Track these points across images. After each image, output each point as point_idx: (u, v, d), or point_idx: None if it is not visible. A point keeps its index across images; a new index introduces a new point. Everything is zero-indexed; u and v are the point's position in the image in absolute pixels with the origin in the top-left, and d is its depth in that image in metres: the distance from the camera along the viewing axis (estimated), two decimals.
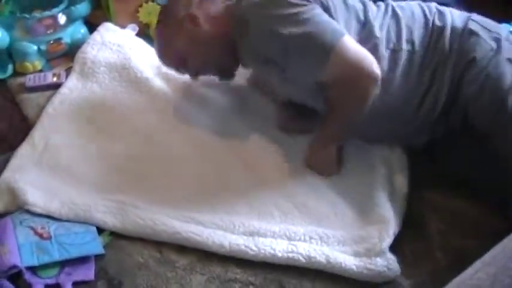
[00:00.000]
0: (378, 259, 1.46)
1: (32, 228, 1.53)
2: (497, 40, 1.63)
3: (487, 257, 1.05)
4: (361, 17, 1.69)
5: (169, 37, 1.77)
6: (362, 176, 1.72)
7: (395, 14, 1.71)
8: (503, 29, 1.74)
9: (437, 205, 1.65)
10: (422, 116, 1.66)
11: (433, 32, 1.66)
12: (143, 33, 2.28)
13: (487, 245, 1.11)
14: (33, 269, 1.45)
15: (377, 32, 1.66)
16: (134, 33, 2.25)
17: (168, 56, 1.82)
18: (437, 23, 1.68)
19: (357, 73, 1.57)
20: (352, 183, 1.71)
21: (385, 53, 1.64)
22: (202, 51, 1.74)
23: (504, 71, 1.59)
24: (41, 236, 1.51)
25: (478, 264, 1.04)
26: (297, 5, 1.60)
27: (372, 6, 1.74)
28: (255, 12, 1.64)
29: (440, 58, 1.64)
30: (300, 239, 1.54)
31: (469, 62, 1.61)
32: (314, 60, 1.58)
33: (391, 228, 1.53)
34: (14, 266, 1.41)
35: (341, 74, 1.57)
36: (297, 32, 1.57)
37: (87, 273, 1.47)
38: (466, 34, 1.64)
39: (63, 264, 1.48)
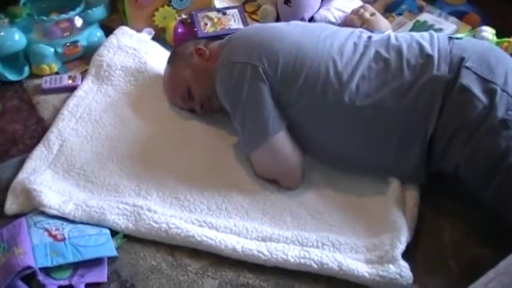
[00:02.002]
0: (391, 266, 1.46)
1: (46, 230, 1.54)
2: (492, 93, 1.51)
3: (501, 266, 1.04)
4: (323, 71, 1.64)
5: (178, 69, 1.90)
6: (374, 185, 1.72)
7: (369, 66, 1.64)
8: (503, 67, 1.57)
9: (451, 214, 1.64)
10: (413, 158, 1.61)
11: (411, 88, 1.57)
12: (159, 37, 2.30)
13: (500, 254, 1.11)
14: (46, 270, 1.46)
15: (342, 86, 1.62)
16: (150, 37, 2.25)
17: (177, 87, 1.91)
18: (418, 76, 1.58)
19: (277, 176, 1.73)
20: (364, 192, 1.71)
21: (348, 104, 1.61)
22: (205, 81, 1.81)
23: (497, 136, 1.49)
24: (55, 237, 1.52)
25: (491, 273, 1.04)
26: (241, 87, 1.66)
27: (346, 52, 1.67)
28: (217, 77, 1.74)
29: (421, 115, 1.56)
30: (312, 245, 1.54)
31: (459, 125, 1.53)
32: (244, 141, 1.74)
33: (403, 235, 1.53)
34: (28, 267, 1.41)
35: (263, 169, 1.73)
36: (240, 108, 1.69)
37: (100, 275, 1.49)
38: (456, 90, 1.53)
39: (76, 266, 1.49)
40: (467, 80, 1.54)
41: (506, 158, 1.48)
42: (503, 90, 1.52)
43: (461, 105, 1.53)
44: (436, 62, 1.58)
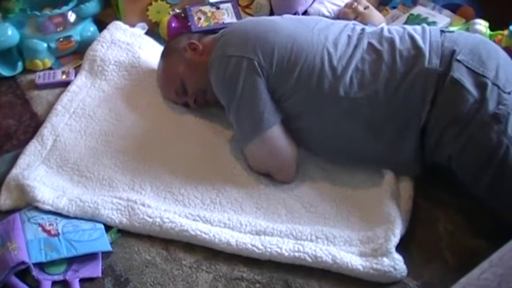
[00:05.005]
0: (385, 259, 1.46)
1: (40, 225, 1.53)
2: (483, 86, 1.51)
3: (494, 257, 1.04)
4: (318, 63, 1.64)
5: (172, 64, 1.90)
6: (369, 178, 1.72)
7: (362, 58, 1.63)
8: (495, 60, 1.57)
9: (446, 205, 1.64)
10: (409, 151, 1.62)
11: (404, 80, 1.57)
12: (153, 31, 2.29)
13: (495, 245, 1.11)
14: (41, 266, 1.46)
15: (336, 79, 1.62)
16: (144, 31, 2.25)
17: (170, 81, 1.91)
18: (410, 67, 1.58)
19: (271, 169, 1.72)
20: (359, 185, 1.71)
21: (343, 96, 1.61)
22: (199, 75, 1.81)
23: (488, 130, 1.49)
24: (49, 232, 1.52)
25: (485, 264, 1.03)
26: (237, 80, 1.66)
27: (341, 44, 1.67)
28: (212, 70, 1.73)
29: (414, 106, 1.56)
30: (306, 239, 1.54)
31: (451, 118, 1.53)
32: (239, 134, 1.74)
33: (397, 228, 1.53)
34: (23, 263, 1.41)
35: (258, 162, 1.73)
36: (235, 101, 1.67)
37: (95, 270, 1.48)
38: (448, 83, 1.53)
39: (70, 261, 1.49)
40: (459, 73, 1.53)
41: (497, 153, 1.49)
42: (493, 84, 1.52)
43: (452, 98, 1.53)
44: (427, 54, 1.58)
